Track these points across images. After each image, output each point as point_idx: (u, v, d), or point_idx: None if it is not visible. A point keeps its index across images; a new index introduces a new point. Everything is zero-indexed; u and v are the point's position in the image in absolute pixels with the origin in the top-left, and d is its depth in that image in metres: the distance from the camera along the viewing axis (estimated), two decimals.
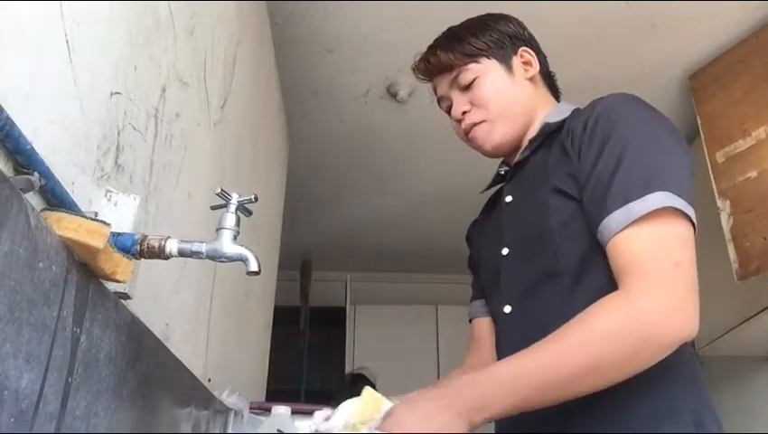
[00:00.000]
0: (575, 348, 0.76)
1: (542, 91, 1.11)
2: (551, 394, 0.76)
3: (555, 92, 1.15)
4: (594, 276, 0.87)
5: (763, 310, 2.22)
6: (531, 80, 1.09)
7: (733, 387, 2.68)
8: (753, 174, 2.07)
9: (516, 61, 1.08)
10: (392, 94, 2.55)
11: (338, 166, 3.17)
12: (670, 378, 0.82)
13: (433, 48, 1.11)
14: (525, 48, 1.10)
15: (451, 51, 1.07)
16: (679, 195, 0.81)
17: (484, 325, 1.12)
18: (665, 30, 2.21)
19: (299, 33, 2.22)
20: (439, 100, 1.14)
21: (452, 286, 4.18)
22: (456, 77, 1.07)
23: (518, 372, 0.77)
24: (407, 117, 2.72)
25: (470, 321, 1.17)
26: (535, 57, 1.10)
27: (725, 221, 2.11)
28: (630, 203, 0.81)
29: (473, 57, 1.06)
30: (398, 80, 2.48)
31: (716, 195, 2.16)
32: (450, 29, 1.14)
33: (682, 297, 0.77)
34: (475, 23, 1.11)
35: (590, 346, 0.76)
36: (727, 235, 2.10)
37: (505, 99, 1.05)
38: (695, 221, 0.82)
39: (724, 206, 2.13)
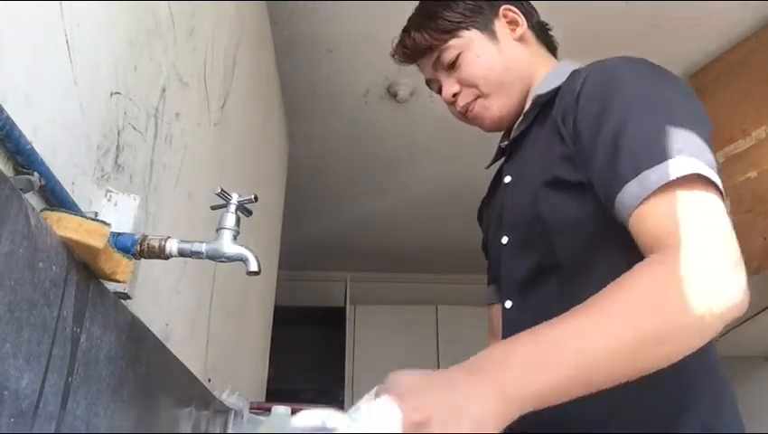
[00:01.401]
0: (649, 306, 0.60)
1: (536, 49, 1.01)
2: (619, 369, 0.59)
3: (551, 45, 1.05)
4: (597, 269, 0.77)
5: (763, 310, 2.22)
6: (521, 39, 0.99)
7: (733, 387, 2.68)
8: (753, 174, 2.07)
9: (498, 23, 0.99)
10: (392, 94, 2.55)
11: (338, 166, 3.17)
12: (681, 375, 0.75)
13: (407, 30, 1.02)
14: (506, 6, 0.99)
15: (425, 31, 0.98)
16: (703, 161, 0.69)
17: (500, 312, 1.00)
18: (665, 30, 2.21)
19: (299, 33, 2.22)
20: (427, 83, 1.06)
21: (452, 286, 4.19)
22: (438, 57, 0.98)
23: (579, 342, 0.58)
24: (407, 117, 2.72)
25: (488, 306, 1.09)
26: (519, 13, 1.00)
27: None
28: (644, 172, 0.69)
29: (451, 33, 0.97)
30: (397, 80, 2.48)
31: None
32: (420, 4, 1.04)
33: (733, 262, 0.67)
34: None
35: (665, 305, 0.61)
36: None
37: (495, 72, 0.96)
38: (722, 188, 0.70)
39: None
